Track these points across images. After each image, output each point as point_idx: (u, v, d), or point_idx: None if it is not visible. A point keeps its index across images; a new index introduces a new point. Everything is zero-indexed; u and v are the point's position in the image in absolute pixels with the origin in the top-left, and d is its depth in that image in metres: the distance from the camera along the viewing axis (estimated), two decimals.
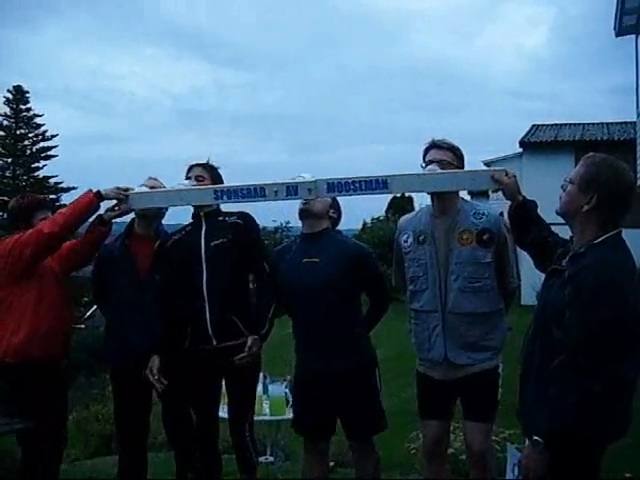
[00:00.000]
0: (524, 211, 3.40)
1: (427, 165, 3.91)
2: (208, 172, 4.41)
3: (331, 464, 5.83)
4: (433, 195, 3.96)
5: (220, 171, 4.45)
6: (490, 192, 3.79)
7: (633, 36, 16.09)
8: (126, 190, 4.18)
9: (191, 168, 4.42)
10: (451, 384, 3.90)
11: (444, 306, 3.87)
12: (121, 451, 4.73)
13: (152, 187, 4.43)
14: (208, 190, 4.15)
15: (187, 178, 4.40)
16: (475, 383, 3.87)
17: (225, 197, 4.06)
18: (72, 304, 4.64)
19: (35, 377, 4.22)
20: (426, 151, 3.99)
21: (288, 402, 5.39)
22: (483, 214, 3.88)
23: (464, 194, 4.21)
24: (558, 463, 2.73)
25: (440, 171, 3.74)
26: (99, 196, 4.17)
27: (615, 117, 25.94)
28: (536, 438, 2.73)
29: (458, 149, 3.96)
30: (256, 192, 3.93)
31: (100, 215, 4.27)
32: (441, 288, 3.88)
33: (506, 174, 3.49)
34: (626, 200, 2.82)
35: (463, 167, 3.97)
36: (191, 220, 4.53)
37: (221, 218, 4.41)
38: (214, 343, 4.28)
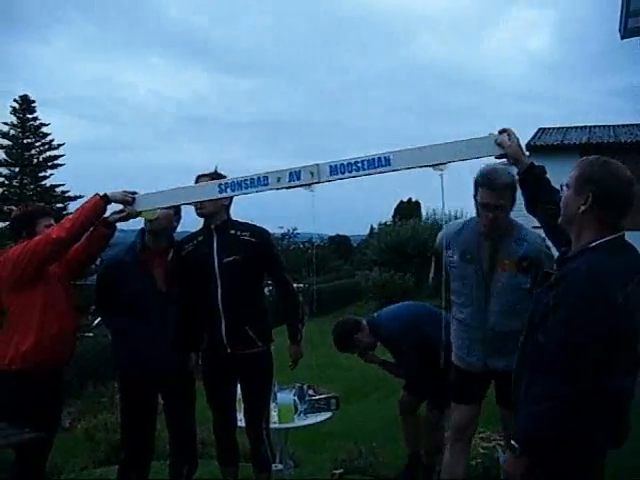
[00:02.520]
0: (532, 176, 3.38)
1: (480, 207, 4.00)
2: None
3: (340, 471, 5.82)
4: (488, 221, 3.99)
5: (224, 173, 4.48)
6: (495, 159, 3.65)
7: (638, 38, 16.05)
8: (133, 194, 4.22)
9: (199, 178, 4.46)
10: (487, 373, 4.17)
11: (485, 324, 4.09)
12: (125, 457, 4.75)
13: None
14: (212, 185, 4.14)
15: None
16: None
17: (229, 190, 4.05)
18: (77, 310, 4.64)
19: (41, 384, 4.23)
20: (477, 185, 4.01)
21: (296, 410, 5.39)
22: (525, 240, 4.03)
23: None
24: (540, 470, 2.69)
25: (440, 143, 3.65)
26: (106, 199, 4.20)
27: (620, 119, 25.90)
28: (512, 443, 2.70)
29: (513, 183, 3.85)
30: (259, 181, 3.91)
31: (105, 218, 4.29)
32: (483, 307, 4.09)
33: (509, 136, 3.42)
34: (622, 198, 2.72)
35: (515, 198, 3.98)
36: (201, 228, 4.57)
37: (233, 232, 4.49)
38: (228, 351, 4.46)
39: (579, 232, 2.76)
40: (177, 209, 4.58)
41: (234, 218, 4.60)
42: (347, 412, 6.37)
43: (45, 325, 4.25)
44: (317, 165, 3.78)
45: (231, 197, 4.41)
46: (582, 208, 2.71)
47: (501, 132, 3.45)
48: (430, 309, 5.44)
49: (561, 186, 2.90)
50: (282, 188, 3.86)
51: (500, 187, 3.90)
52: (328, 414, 5.61)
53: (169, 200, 4.29)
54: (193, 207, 4.46)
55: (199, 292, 4.50)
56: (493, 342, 4.07)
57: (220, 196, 4.14)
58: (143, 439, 4.62)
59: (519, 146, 3.42)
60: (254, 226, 4.63)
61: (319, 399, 5.64)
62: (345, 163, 3.73)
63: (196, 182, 4.46)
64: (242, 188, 3.99)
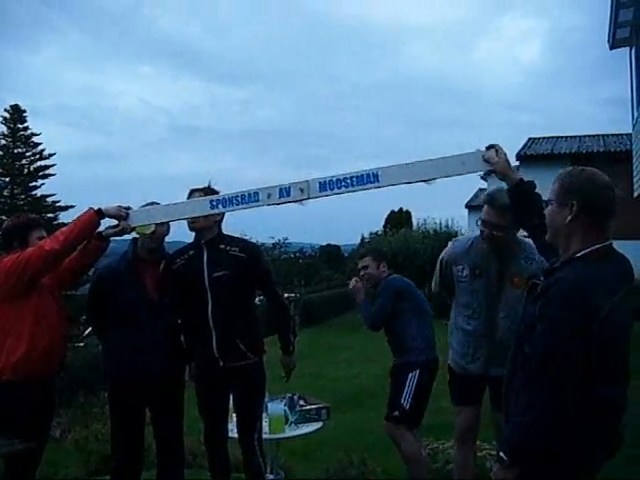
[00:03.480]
0: (521, 191, 3.41)
1: (482, 224, 4.21)
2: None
3: None
4: (485, 236, 4.21)
5: (217, 187, 4.50)
6: (483, 176, 3.77)
7: (627, 49, 16.15)
8: (127, 209, 4.25)
9: (192, 193, 4.49)
10: (484, 377, 4.33)
11: (492, 335, 4.27)
12: (115, 468, 4.75)
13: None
14: (204, 201, 4.19)
15: None
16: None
17: (220, 206, 4.12)
18: (68, 320, 4.65)
19: (31, 394, 4.23)
20: (482, 203, 4.24)
21: (287, 420, 5.40)
22: (533, 260, 4.09)
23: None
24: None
25: (428, 159, 3.70)
26: (100, 213, 4.23)
27: (610, 129, 26.04)
28: (501, 454, 2.68)
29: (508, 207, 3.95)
30: (250, 197, 3.98)
31: (99, 232, 4.32)
32: (491, 320, 4.27)
33: (496, 152, 3.45)
34: (605, 201, 2.74)
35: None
36: (192, 242, 4.60)
37: (223, 246, 4.53)
38: (221, 364, 4.52)
39: (567, 243, 2.77)
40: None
41: (226, 232, 4.64)
42: (338, 422, 6.36)
43: (36, 337, 4.26)
44: (307, 182, 3.84)
45: (221, 217, 4.50)
46: (568, 218, 2.72)
47: (489, 148, 3.49)
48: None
49: (546, 203, 2.94)
50: (272, 204, 3.91)
51: (500, 207, 4.03)
52: (319, 424, 5.62)
53: (162, 216, 4.32)
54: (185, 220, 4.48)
55: (190, 306, 4.54)
56: (498, 352, 4.16)
57: (212, 212, 4.19)
58: (133, 449, 4.62)
59: (507, 162, 3.46)
60: (244, 241, 4.70)
61: (310, 409, 5.64)
62: (334, 179, 3.78)
63: (189, 196, 4.50)
64: (233, 204, 4.05)
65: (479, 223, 4.26)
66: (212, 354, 4.51)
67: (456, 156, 3.63)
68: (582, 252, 2.69)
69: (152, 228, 4.33)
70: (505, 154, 3.46)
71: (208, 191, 4.44)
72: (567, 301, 2.57)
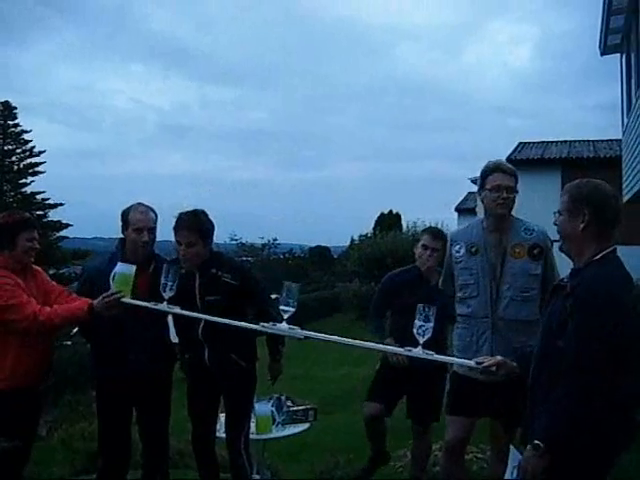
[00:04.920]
0: (526, 370, 3.27)
1: (492, 191, 4.17)
2: (196, 234, 4.47)
3: None
4: (488, 213, 4.27)
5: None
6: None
7: (618, 55, 16.22)
8: (112, 295, 4.17)
9: (179, 229, 4.49)
10: (489, 386, 4.06)
11: (494, 313, 4.19)
12: (102, 466, 4.74)
13: (143, 215, 4.51)
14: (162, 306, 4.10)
15: (177, 242, 4.47)
16: (516, 386, 3.95)
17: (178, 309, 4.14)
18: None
19: (17, 401, 4.22)
20: (486, 175, 4.24)
21: (274, 421, 5.40)
22: (533, 230, 4.25)
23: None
24: (558, 468, 2.79)
25: None
26: (90, 312, 4.19)
27: (600, 134, 26.10)
28: (537, 442, 2.79)
29: (516, 172, 4.25)
30: None
31: (92, 303, 4.22)
32: (492, 296, 4.21)
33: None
34: (614, 209, 2.98)
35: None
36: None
37: (214, 271, 4.52)
38: (212, 371, 4.58)
39: (580, 249, 3.00)
40: (153, 231, 4.62)
41: (216, 233, 4.64)
42: (325, 423, 6.37)
43: (21, 355, 4.24)
44: None
45: (211, 238, 4.56)
46: (581, 226, 2.95)
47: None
48: None
49: (554, 214, 3.10)
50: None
51: (510, 171, 4.21)
52: (306, 425, 5.63)
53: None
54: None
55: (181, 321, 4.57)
56: (502, 334, 4.15)
57: (171, 311, 4.16)
58: (120, 448, 4.62)
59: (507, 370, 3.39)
60: (235, 266, 4.66)
61: (297, 410, 5.65)
62: None
63: (177, 220, 4.52)
64: None
65: (486, 194, 4.21)
66: (204, 364, 4.56)
67: None
68: (599, 255, 2.93)
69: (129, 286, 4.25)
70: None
71: (195, 228, 4.46)
72: (596, 298, 2.78)
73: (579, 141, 24.94)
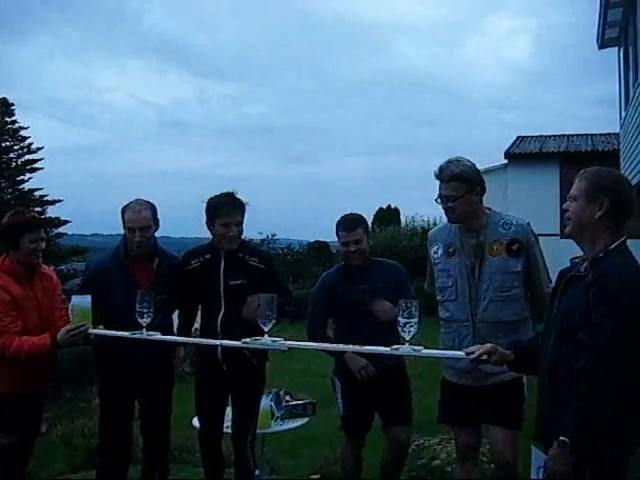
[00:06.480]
0: (520, 358, 3.31)
1: (439, 201, 4.07)
2: (242, 212, 4.56)
3: (317, 477, 5.83)
4: (445, 212, 4.08)
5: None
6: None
7: (615, 49, 16.21)
8: (77, 329, 4.13)
9: (228, 211, 4.53)
10: (479, 391, 4.00)
11: (474, 316, 4.00)
12: (102, 463, 4.74)
13: (135, 214, 4.50)
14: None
15: (224, 225, 4.50)
16: (503, 391, 3.94)
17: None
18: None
19: (16, 404, 4.23)
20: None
21: (273, 415, 5.40)
22: (511, 224, 4.03)
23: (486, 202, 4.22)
24: (583, 466, 2.75)
25: None
26: (54, 346, 4.18)
27: (598, 128, 26.03)
28: (563, 439, 2.73)
29: (462, 174, 3.98)
30: None
31: (55, 335, 4.18)
32: (471, 298, 4.01)
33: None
34: (631, 200, 2.97)
35: (475, 187, 4.04)
36: (208, 246, 4.65)
37: (241, 255, 4.54)
38: (224, 368, 4.57)
39: (594, 237, 2.94)
40: (155, 217, 4.60)
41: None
42: (324, 418, 6.36)
43: (17, 359, 4.21)
44: None
45: (242, 225, 4.54)
46: (599, 214, 2.91)
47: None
48: None
49: (566, 198, 3.05)
50: None
51: (446, 178, 4.00)
52: (305, 420, 5.63)
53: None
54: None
55: (201, 308, 4.62)
56: (484, 337, 3.82)
57: (150, 338, 4.01)
58: (121, 444, 4.62)
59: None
60: (261, 251, 4.72)
61: (296, 405, 5.65)
62: None
63: (218, 204, 4.56)
64: None
65: (439, 202, 4.10)
66: (216, 358, 4.54)
67: None
68: (614, 245, 2.89)
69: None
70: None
71: (236, 199, 4.56)
72: (620, 288, 2.75)
73: (577, 135, 24.89)
